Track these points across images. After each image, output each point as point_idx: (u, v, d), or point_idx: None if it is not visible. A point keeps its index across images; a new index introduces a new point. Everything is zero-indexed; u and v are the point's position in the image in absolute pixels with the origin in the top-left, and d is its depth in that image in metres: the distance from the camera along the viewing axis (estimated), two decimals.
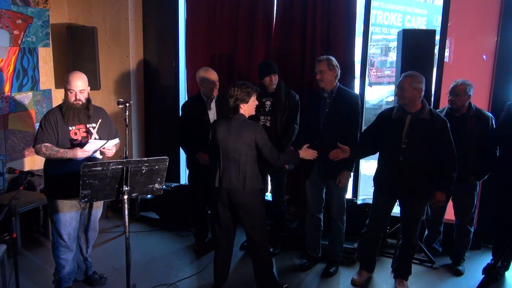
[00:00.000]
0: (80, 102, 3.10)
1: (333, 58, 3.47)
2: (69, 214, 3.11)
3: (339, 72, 3.48)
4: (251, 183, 3.06)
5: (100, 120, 3.17)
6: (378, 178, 3.39)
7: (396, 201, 3.39)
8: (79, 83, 3.10)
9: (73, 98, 3.07)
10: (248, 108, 3.08)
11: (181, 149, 5.00)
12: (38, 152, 3.04)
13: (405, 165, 3.15)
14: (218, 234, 3.29)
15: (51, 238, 3.22)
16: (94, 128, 3.15)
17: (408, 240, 3.36)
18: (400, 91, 3.16)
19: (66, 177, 3.00)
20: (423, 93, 3.15)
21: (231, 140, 3.03)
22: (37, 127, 3.22)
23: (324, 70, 3.43)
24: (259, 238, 3.19)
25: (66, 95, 3.11)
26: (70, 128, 3.08)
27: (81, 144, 3.06)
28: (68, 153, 2.99)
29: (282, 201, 4.04)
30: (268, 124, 3.78)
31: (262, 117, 3.80)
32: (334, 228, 3.64)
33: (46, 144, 3.01)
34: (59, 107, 3.14)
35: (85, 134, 3.12)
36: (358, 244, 3.82)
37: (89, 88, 3.20)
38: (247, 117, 3.09)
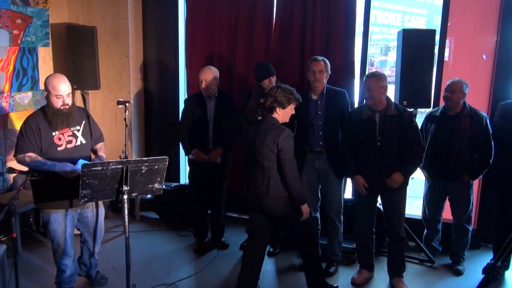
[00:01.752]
0: (68, 106, 3.00)
1: (327, 60, 3.52)
2: (63, 223, 3.09)
3: (329, 74, 3.53)
4: (275, 190, 2.94)
5: (84, 122, 3.13)
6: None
7: (378, 196, 3.46)
8: (66, 87, 2.98)
9: (60, 103, 2.97)
10: (283, 114, 2.98)
11: (181, 148, 5.02)
12: (21, 162, 2.93)
13: (382, 162, 3.25)
14: (248, 239, 3.26)
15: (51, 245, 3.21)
16: (78, 131, 3.09)
17: (396, 234, 3.41)
18: (368, 92, 3.24)
19: (55, 186, 2.95)
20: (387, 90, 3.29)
21: (257, 143, 2.94)
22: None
23: (322, 70, 3.45)
24: (300, 244, 3.16)
25: (50, 100, 2.97)
26: (54, 134, 3.00)
27: (67, 150, 3.02)
28: (56, 168, 2.90)
29: None
30: None
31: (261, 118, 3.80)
32: (332, 228, 3.65)
33: (29, 154, 2.92)
34: (42, 111, 3.02)
35: (70, 139, 3.06)
36: (355, 242, 3.82)
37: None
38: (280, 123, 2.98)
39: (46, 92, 2.99)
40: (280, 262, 3.89)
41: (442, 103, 4.01)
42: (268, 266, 3.86)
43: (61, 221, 3.08)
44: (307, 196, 3.18)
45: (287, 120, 3.05)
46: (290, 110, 2.99)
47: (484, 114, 3.58)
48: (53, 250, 3.18)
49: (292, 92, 2.97)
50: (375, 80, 3.22)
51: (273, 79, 3.72)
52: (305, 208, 3.00)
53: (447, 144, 3.55)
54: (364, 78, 3.43)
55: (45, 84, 2.98)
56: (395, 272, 3.47)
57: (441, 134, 3.60)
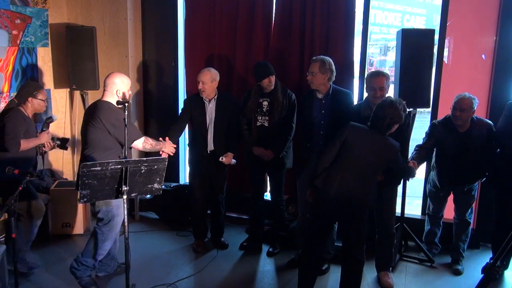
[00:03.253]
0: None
1: (327, 61, 3.46)
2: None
3: (332, 75, 3.48)
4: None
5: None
6: None
7: None
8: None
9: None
10: None
11: (180, 148, 5.02)
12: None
13: None
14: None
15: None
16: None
17: (386, 230, 3.43)
18: (375, 91, 3.31)
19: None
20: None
21: (368, 153, 2.91)
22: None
23: (316, 73, 3.44)
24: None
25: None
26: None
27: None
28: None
29: (281, 200, 4.04)
30: (266, 124, 3.78)
31: (260, 117, 3.80)
32: None
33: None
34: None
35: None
36: None
37: None
38: None
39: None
40: (280, 262, 3.89)
41: (441, 103, 4.03)
42: (268, 266, 3.86)
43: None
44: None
45: None
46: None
47: (489, 122, 3.60)
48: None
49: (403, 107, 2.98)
50: (384, 79, 3.25)
51: (273, 78, 3.72)
52: None
53: (461, 158, 3.54)
54: (370, 76, 3.41)
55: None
56: (383, 266, 3.51)
57: (453, 149, 3.57)
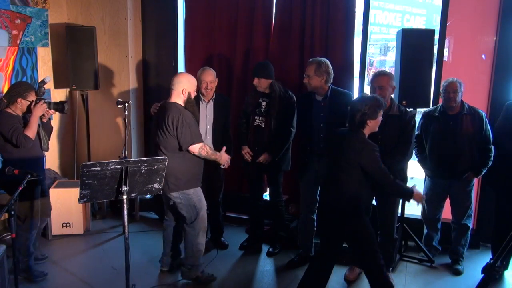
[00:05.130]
0: None
1: (323, 63, 3.43)
2: None
3: (329, 77, 3.46)
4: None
5: None
6: None
7: (373, 195, 3.42)
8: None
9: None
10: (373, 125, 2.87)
11: None
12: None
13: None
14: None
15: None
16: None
17: (389, 235, 3.42)
18: (379, 91, 3.27)
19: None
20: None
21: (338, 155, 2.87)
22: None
23: (311, 76, 3.42)
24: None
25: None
26: None
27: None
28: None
29: (280, 201, 4.03)
30: (262, 125, 3.77)
31: (258, 118, 3.79)
32: None
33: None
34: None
35: None
36: None
37: None
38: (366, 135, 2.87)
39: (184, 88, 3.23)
40: (280, 262, 3.89)
41: (440, 102, 4.02)
42: (268, 266, 3.86)
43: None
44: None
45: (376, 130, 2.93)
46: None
47: (482, 111, 3.60)
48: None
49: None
50: (387, 79, 3.25)
51: (264, 81, 3.69)
52: None
53: (449, 143, 3.56)
54: (374, 76, 3.40)
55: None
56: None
57: (443, 133, 3.60)
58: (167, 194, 3.28)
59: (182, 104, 3.24)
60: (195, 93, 3.32)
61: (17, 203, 2.92)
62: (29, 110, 3.38)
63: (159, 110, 3.34)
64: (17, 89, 3.38)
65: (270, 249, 4.05)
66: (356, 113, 2.82)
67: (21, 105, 3.36)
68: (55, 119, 4.72)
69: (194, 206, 3.33)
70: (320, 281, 3.01)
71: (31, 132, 3.29)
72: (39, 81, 3.54)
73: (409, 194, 2.82)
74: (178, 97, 3.23)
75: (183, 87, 3.22)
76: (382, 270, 2.83)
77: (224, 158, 3.44)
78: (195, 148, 3.21)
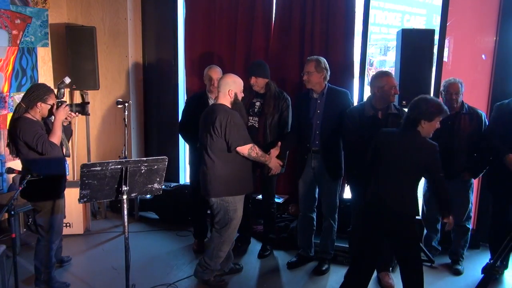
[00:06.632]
0: None
1: (322, 60, 3.47)
2: None
3: (327, 74, 3.48)
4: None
5: None
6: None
7: None
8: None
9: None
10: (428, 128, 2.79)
11: (180, 148, 5.02)
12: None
13: None
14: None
15: None
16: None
17: None
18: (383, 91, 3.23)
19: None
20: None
21: (399, 158, 2.79)
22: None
23: (311, 72, 3.44)
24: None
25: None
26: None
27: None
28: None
29: (272, 202, 3.99)
30: (256, 125, 3.76)
31: (251, 118, 3.78)
32: (326, 226, 3.66)
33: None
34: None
35: None
36: (348, 242, 3.81)
37: None
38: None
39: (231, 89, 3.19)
40: (280, 262, 3.89)
41: None
42: (268, 266, 3.86)
43: None
44: None
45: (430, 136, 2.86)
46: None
47: (482, 112, 3.60)
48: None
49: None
50: (392, 80, 3.26)
51: (261, 80, 3.68)
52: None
53: (448, 143, 3.55)
54: (378, 76, 3.40)
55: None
56: (383, 266, 3.51)
57: (441, 133, 3.59)
58: (206, 198, 3.28)
59: (229, 106, 3.20)
60: (242, 94, 3.28)
61: (40, 213, 3.14)
62: (49, 114, 3.16)
63: (206, 113, 3.27)
64: (37, 92, 3.10)
65: (261, 252, 4.03)
66: (413, 110, 2.78)
67: (41, 109, 3.11)
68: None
69: (227, 214, 3.26)
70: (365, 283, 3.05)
71: (56, 138, 3.09)
72: (58, 83, 3.33)
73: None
74: (225, 99, 3.20)
75: (229, 88, 3.18)
76: (422, 273, 2.85)
77: (273, 162, 3.40)
78: (245, 149, 3.16)
